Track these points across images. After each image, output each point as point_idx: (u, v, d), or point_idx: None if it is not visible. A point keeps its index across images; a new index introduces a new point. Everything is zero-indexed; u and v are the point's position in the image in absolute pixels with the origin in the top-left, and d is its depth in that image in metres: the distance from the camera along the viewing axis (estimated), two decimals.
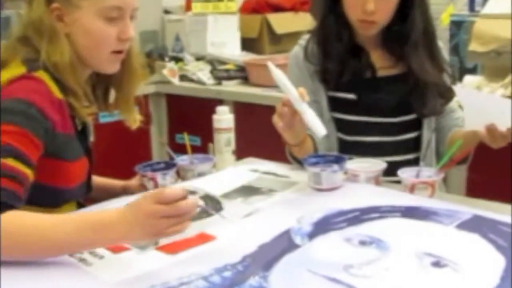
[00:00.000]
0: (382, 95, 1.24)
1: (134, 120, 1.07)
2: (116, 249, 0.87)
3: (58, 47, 0.89)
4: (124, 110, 1.06)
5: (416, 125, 1.27)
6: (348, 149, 1.25)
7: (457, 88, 1.14)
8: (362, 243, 0.87)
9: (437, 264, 0.79)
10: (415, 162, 1.24)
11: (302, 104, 0.99)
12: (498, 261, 0.79)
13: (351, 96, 1.24)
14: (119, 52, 0.97)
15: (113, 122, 1.28)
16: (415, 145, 1.28)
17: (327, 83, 1.23)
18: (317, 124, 1.00)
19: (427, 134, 1.26)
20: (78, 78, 0.92)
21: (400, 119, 1.26)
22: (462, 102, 1.11)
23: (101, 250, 0.85)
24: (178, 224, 0.77)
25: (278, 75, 1.01)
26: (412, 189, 1.07)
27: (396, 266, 0.80)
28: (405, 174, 1.10)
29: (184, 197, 0.78)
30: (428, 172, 1.10)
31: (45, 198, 0.93)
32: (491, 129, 1.02)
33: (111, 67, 0.98)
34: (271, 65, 1.00)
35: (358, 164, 1.17)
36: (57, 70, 0.89)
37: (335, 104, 1.25)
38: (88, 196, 1.03)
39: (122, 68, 1.00)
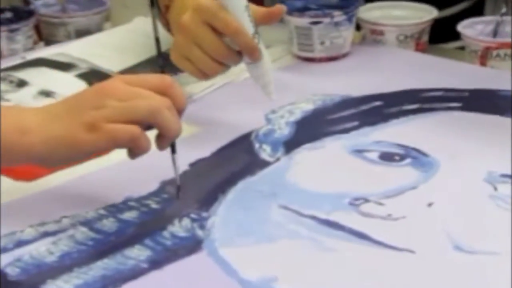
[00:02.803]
0: None
1: None
2: None
3: None
4: None
5: None
6: None
7: None
8: (387, 157, 0.88)
9: None
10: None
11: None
12: None
13: None
14: None
15: None
16: None
17: None
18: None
19: None
20: None
21: None
22: None
23: None
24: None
25: None
26: (484, 58, 1.08)
27: (448, 199, 0.81)
28: (472, 30, 1.10)
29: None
30: None
31: None
32: None
33: None
34: None
35: (386, 11, 1.18)
36: None
37: None
38: None
39: None
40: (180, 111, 0.79)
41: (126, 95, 0.77)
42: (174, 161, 0.83)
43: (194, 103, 1.00)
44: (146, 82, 0.79)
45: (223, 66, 0.94)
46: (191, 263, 0.72)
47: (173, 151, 0.83)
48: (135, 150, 0.77)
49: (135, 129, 0.76)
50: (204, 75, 0.95)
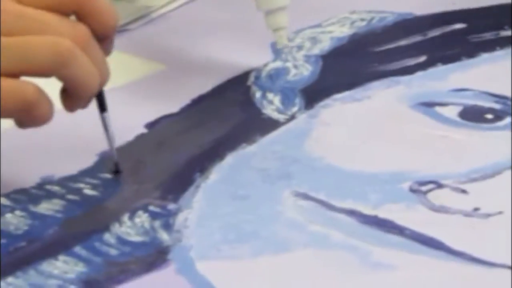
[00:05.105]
0: None
1: None
2: None
3: None
4: None
5: None
6: None
7: None
8: (473, 115, 0.89)
9: None
10: None
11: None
12: None
13: None
14: None
15: None
16: None
17: None
18: None
19: None
20: None
21: None
22: None
23: None
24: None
25: None
26: None
27: None
28: None
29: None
30: None
31: None
32: None
33: None
34: None
35: None
36: None
37: None
38: None
39: None
40: (106, 37, 0.80)
41: (16, 22, 0.78)
42: (104, 124, 0.83)
43: (153, 24, 1.00)
44: None
45: None
46: (152, 284, 0.72)
47: (102, 108, 0.83)
48: (26, 121, 0.79)
49: (29, 91, 0.77)
50: None
